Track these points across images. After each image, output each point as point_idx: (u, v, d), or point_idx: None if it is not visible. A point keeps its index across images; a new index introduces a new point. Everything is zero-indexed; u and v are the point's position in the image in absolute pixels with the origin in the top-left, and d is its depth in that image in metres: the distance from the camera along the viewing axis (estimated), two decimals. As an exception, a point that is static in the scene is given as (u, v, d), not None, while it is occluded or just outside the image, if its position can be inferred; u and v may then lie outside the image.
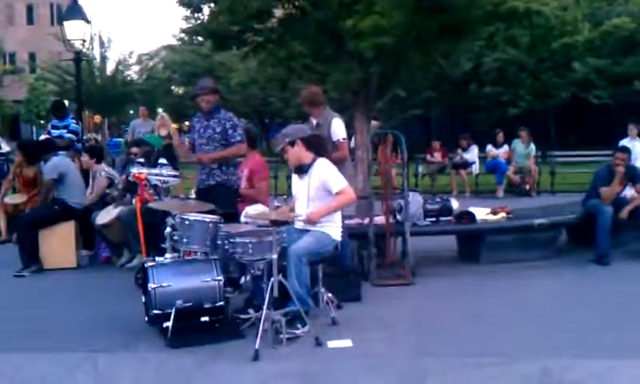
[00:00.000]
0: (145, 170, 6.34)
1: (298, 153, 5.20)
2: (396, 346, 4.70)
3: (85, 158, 8.32)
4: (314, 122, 6.44)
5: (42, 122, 37.58)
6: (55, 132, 9.67)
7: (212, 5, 10.84)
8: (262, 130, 33.79)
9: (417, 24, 8.64)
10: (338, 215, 5.30)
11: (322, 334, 4.78)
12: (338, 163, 6.03)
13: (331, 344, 4.69)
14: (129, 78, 35.95)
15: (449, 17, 8.68)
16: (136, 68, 36.89)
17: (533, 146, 14.23)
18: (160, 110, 32.68)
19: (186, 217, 5.12)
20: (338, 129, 6.40)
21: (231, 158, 6.12)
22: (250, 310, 5.15)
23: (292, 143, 5.20)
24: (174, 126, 12.48)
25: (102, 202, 7.95)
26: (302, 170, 5.22)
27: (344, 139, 6.49)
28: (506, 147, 14.42)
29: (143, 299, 5.05)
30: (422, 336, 4.92)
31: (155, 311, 4.81)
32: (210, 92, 6.13)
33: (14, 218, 8.76)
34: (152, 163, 7.42)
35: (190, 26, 14.03)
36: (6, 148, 12.19)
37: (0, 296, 6.49)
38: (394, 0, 8.15)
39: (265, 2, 9.91)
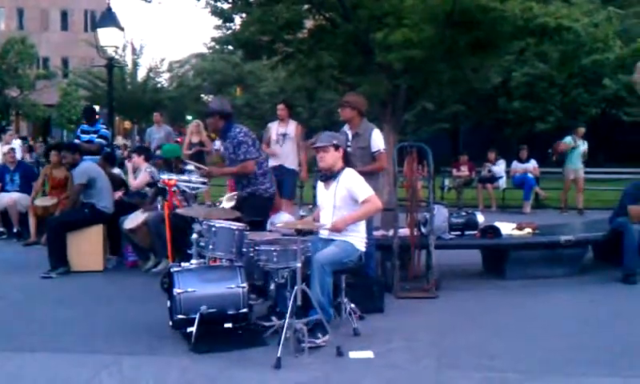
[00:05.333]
0: (175, 176, 6.43)
1: (337, 158, 5.25)
2: (418, 358, 4.69)
3: (135, 157, 8.61)
4: (350, 132, 6.43)
5: (72, 126, 38.15)
6: (85, 136, 9.78)
7: (244, 15, 10.96)
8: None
9: (446, 38, 8.66)
10: (363, 226, 5.32)
11: (344, 344, 4.79)
12: (373, 174, 6.08)
13: (353, 354, 4.70)
14: (159, 85, 36.40)
15: (479, 32, 8.68)
16: (166, 75, 37.36)
17: (585, 143, 14.06)
18: (189, 118, 33.07)
19: (212, 223, 5.18)
20: (378, 139, 6.41)
21: (241, 173, 6.14)
22: (273, 318, 5.18)
23: (336, 147, 5.26)
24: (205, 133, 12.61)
25: (130, 206, 8.08)
26: (330, 176, 5.26)
27: (384, 150, 6.50)
28: (532, 162, 14.31)
29: (168, 304, 5.11)
30: (445, 349, 4.90)
31: (180, 316, 4.87)
32: (212, 114, 6.21)
33: (43, 220, 8.94)
34: (175, 170, 7.46)
35: (221, 35, 14.20)
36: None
37: (27, 297, 6.60)
38: (423, 14, 8.18)
39: (295, 13, 9.99)
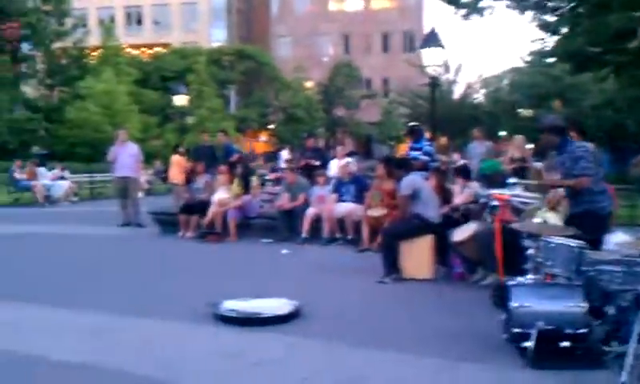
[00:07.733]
0: (507, 192, 6.49)
1: None
2: None
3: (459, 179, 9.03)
4: None
5: (392, 142, 40.41)
6: (413, 154, 10.39)
7: (570, 26, 10.65)
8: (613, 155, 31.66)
9: None
10: None
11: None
12: None
13: None
14: (475, 101, 36.75)
15: None
16: (483, 91, 37.55)
17: None
18: (502, 133, 32.74)
19: (550, 240, 5.12)
20: None
21: (574, 187, 5.98)
22: (614, 343, 4.91)
23: None
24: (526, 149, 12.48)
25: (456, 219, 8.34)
26: None
27: None
28: None
29: (502, 316, 5.17)
30: None
31: (515, 329, 4.89)
32: (546, 130, 6.17)
33: (375, 229, 9.66)
34: (499, 184, 7.50)
35: (542, 48, 13.96)
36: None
37: (366, 299, 7.19)
38: None
39: (628, 20, 9.41)
